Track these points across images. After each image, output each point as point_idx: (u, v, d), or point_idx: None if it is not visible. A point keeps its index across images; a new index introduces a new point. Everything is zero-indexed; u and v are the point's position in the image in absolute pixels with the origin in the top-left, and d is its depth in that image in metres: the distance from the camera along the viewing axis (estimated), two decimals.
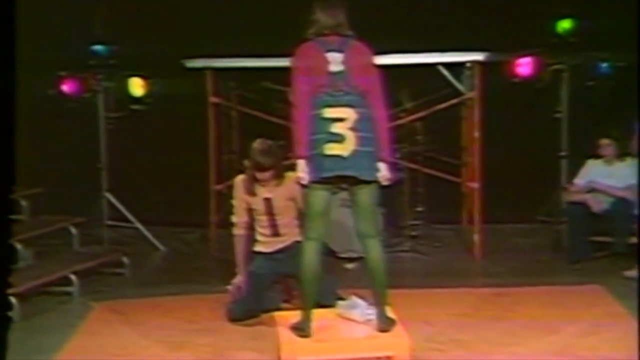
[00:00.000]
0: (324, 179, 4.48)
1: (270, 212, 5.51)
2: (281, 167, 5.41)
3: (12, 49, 3.00)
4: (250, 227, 5.60)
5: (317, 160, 4.47)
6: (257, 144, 5.44)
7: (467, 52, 7.17)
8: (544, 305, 5.74)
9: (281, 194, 5.46)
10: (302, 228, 4.77)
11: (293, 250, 5.48)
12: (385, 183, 4.60)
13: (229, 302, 5.58)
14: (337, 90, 4.50)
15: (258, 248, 5.66)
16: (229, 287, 5.57)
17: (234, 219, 5.60)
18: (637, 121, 6.78)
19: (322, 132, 4.46)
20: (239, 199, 5.55)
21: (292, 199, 5.44)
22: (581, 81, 7.47)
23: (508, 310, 5.68)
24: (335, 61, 4.54)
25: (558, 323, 5.33)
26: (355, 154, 4.45)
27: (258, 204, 5.52)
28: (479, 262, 7.18)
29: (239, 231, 5.56)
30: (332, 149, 4.45)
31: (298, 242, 5.45)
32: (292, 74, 4.58)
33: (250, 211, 5.56)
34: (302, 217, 5.41)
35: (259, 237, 5.64)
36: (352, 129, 4.46)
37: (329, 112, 4.48)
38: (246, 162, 5.55)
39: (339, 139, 4.45)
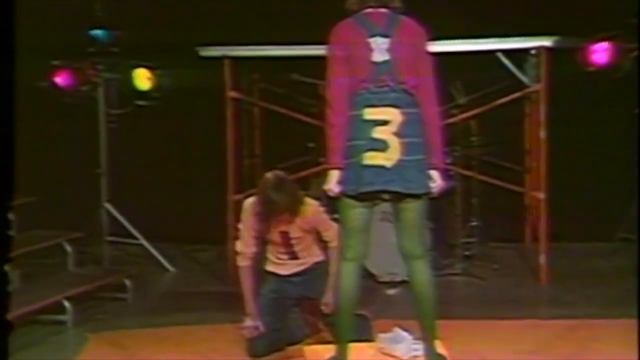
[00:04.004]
0: (363, 194, 4.42)
1: (287, 243, 5.49)
2: (297, 206, 5.33)
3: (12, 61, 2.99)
4: (258, 257, 5.53)
5: (355, 170, 4.42)
6: (269, 176, 5.35)
7: (532, 37, 7.14)
8: (626, 342, 5.57)
9: (299, 225, 5.43)
10: (339, 247, 4.73)
11: (312, 273, 5.49)
12: (437, 194, 4.56)
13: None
14: (381, 85, 4.42)
15: (270, 268, 5.61)
16: (243, 332, 5.50)
17: (239, 247, 5.50)
18: None
19: (362, 137, 4.40)
20: (248, 227, 5.46)
21: (312, 230, 5.43)
22: None
23: (583, 347, 5.60)
24: (379, 49, 4.43)
25: None
26: (400, 164, 4.39)
27: (273, 235, 5.49)
28: (546, 289, 7.12)
29: (244, 262, 5.47)
30: (373, 158, 4.39)
31: (318, 263, 5.49)
32: (327, 63, 4.49)
33: (260, 239, 5.49)
34: (320, 242, 5.46)
35: (271, 257, 5.60)
36: (397, 134, 4.40)
37: (371, 113, 4.41)
38: (249, 202, 5.46)
39: (381, 146, 4.39)
